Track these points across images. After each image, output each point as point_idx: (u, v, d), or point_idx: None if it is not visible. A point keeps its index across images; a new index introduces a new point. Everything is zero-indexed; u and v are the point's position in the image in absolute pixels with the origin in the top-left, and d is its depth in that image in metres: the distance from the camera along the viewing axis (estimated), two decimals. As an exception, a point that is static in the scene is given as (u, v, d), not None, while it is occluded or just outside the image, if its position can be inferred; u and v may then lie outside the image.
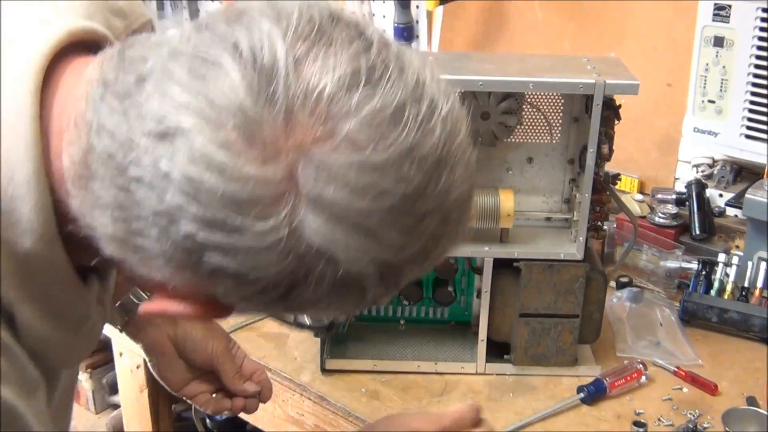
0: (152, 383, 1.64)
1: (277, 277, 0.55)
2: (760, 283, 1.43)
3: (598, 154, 1.17)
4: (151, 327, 1.03)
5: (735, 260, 1.46)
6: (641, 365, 1.25)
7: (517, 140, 1.27)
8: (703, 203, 1.64)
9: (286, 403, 1.28)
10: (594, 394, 1.21)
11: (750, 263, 1.45)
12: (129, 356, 1.59)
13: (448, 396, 1.23)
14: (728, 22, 1.57)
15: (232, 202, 0.52)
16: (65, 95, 0.60)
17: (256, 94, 0.51)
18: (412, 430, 0.89)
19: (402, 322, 1.36)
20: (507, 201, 1.20)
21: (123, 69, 0.56)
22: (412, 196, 0.54)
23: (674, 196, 1.69)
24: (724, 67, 1.60)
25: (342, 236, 0.53)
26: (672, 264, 1.52)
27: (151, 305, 0.63)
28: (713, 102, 1.64)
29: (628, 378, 1.23)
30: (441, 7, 2.02)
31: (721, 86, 1.62)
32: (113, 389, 2.14)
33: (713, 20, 1.58)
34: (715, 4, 1.57)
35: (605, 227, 1.34)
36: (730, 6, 1.56)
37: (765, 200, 1.41)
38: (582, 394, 1.21)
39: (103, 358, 2.11)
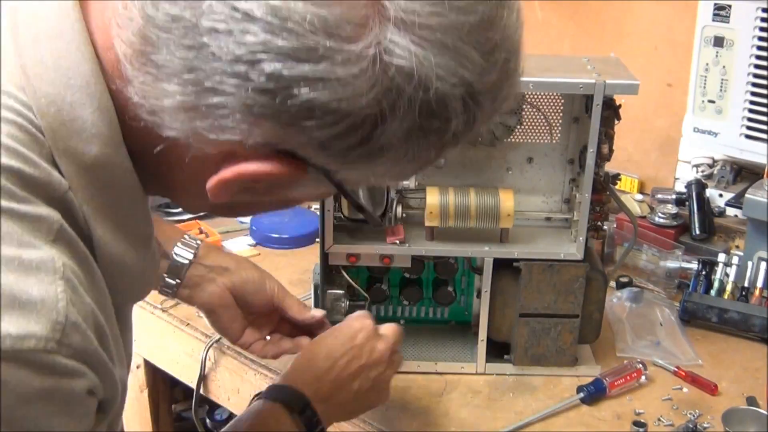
0: (152, 383, 1.64)
1: (365, 111, 0.55)
2: (760, 283, 1.43)
3: (598, 154, 1.17)
4: (207, 283, 1.06)
5: (735, 260, 1.46)
6: (641, 365, 1.25)
7: (517, 140, 1.27)
8: (703, 203, 1.64)
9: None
10: (594, 394, 1.21)
11: (750, 263, 1.45)
12: (129, 356, 1.59)
13: (448, 396, 1.23)
14: (728, 22, 1.57)
15: (321, 26, 0.52)
16: None
17: None
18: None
19: (402, 321, 1.36)
20: (507, 201, 1.20)
21: None
22: (487, 21, 0.56)
23: (674, 196, 1.69)
24: (724, 67, 1.60)
25: (430, 54, 0.54)
26: (672, 264, 1.52)
27: (225, 173, 0.60)
28: (713, 102, 1.64)
29: (628, 378, 1.23)
30: (441, 7, 2.02)
31: (721, 86, 1.62)
32: (113, 389, 2.14)
33: (713, 20, 1.59)
34: (715, 4, 1.57)
35: (605, 227, 1.34)
36: (730, 6, 1.56)
37: (765, 200, 1.41)
38: (582, 394, 1.21)
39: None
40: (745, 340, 1.39)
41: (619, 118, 1.21)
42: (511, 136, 1.25)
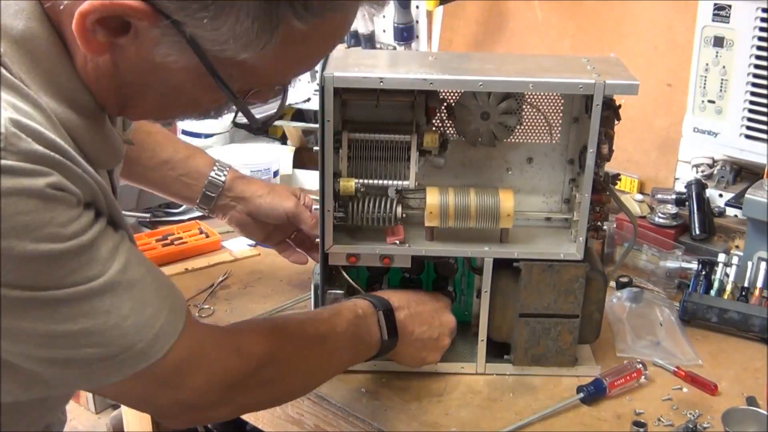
0: (152, 383, 1.64)
1: None
2: (760, 283, 1.43)
3: (598, 154, 1.17)
4: (229, 209, 1.39)
5: (735, 260, 1.46)
6: (641, 365, 1.25)
7: (517, 140, 1.27)
8: (703, 203, 1.64)
9: (286, 404, 1.28)
10: (594, 394, 1.21)
11: (750, 263, 1.45)
12: (129, 356, 1.59)
13: (448, 396, 1.23)
14: (728, 22, 1.57)
15: None
16: None
17: None
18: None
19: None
20: (507, 201, 1.20)
21: None
22: None
23: (674, 196, 1.69)
24: (724, 67, 1.60)
25: None
26: (672, 264, 1.52)
27: (83, 6, 0.72)
28: (713, 102, 1.64)
29: (628, 378, 1.23)
30: (441, 7, 2.02)
31: (721, 86, 1.62)
32: (113, 389, 2.14)
33: (713, 20, 1.58)
34: (715, 4, 1.57)
35: (605, 227, 1.34)
36: (730, 6, 1.56)
37: (765, 200, 1.41)
38: (582, 394, 1.21)
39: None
40: (745, 340, 1.39)
41: (619, 118, 1.21)
42: (511, 136, 1.25)
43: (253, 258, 1.62)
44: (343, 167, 1.20)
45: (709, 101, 1.64)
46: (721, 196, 1.71)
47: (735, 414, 1.17)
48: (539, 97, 1.24)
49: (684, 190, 1.69)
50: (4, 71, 0.73)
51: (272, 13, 0.72)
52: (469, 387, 1.26)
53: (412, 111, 1.21)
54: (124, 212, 0.87)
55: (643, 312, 1.41)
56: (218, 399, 0.92)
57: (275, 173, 1.86)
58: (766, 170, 1.57)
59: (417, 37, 2.11)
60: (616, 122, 1.20)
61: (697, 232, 1.61)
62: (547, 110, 1.25)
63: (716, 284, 1.45)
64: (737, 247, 1.60)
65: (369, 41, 2.13)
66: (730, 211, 1.69)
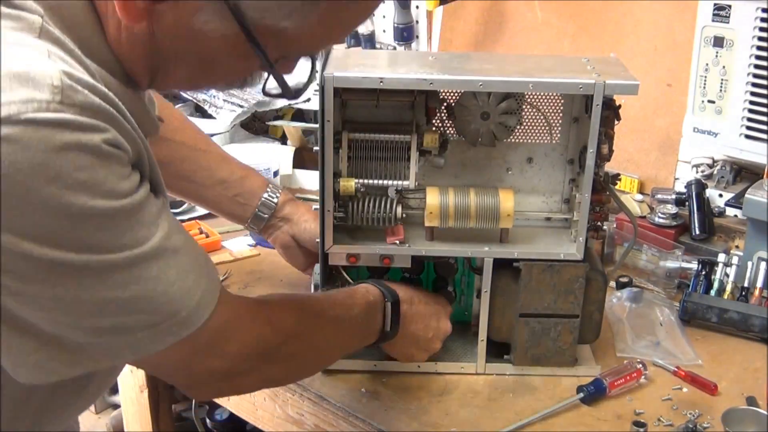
0: (152, 383, 1.64)
1: None
2: (759, 283, 1.43)
3: (598, 154, 1.17)
4: (276, 230, 1.38)
5: (735, 260, 1.46)
6: (641, 365, 1.25)
7: (517, 140, 1.27)
8: (703, 203, 1.64)
9: (286, 404, 1.28)
10: (594, 394, 1.21)
11: (750, 263, 1.45)
12: (129, 356, 1.59)
13: (448, 396, 1.23)
14: (728, 22, 1.57)
15: None
16: None
17: None
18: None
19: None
20: (507, 201, 1.20)
21: None
22: None
23: (674, 196, 1.69)
24: (724, 67, 1.60)
25: None
26: (672, 264, 1.52)
27: None
28: (713, 102, 1.64)
29: (628, 378, 1.23)
30: (441, 7, 2.02)
31: (721, 86, 1.62)
32: (113, 389, 2.15)
33: (713, 20, 1.58)
34: (715, 4, 1.57)
35: (605, 227, 1.34)
36: (730, 6, 1.56)
37: (765, 200, 1.41)
38: (582, 394, 1.21)
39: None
40: (745, 340, 1.39)
41: (619, 119, 1.21)
42: (511, 136, 1.25)
43: (253, 258, 1.62)
44: (343, 167, 1.20)
45: (709, 101, 1.64)
46: (721, 196, 1.71)
47: (735, 414, 1.17)
48: (539, 97, 1.24)
49: (684, 190, 1.68)
50: (50, 27, 0.73)
51: None
52: (469, 387, 1.26)
53: (412, 111, 1.21)
54: None
55: (643, 312, 1.41)
56: (248, 368, 0.94)
57: (275, 173, 1.86)
58: (766, 170, 1.57)
59: (417, 37, 2.11)
60: (616, 122, 1.20)
61: (697, 232, 1.61)
62: (547, 110, 1.25)
63: (716, 284, 1.45)
64: (737, 247, 1.59)
65: (369, 41, 2.13)
66: (730, 211, 1.69)
